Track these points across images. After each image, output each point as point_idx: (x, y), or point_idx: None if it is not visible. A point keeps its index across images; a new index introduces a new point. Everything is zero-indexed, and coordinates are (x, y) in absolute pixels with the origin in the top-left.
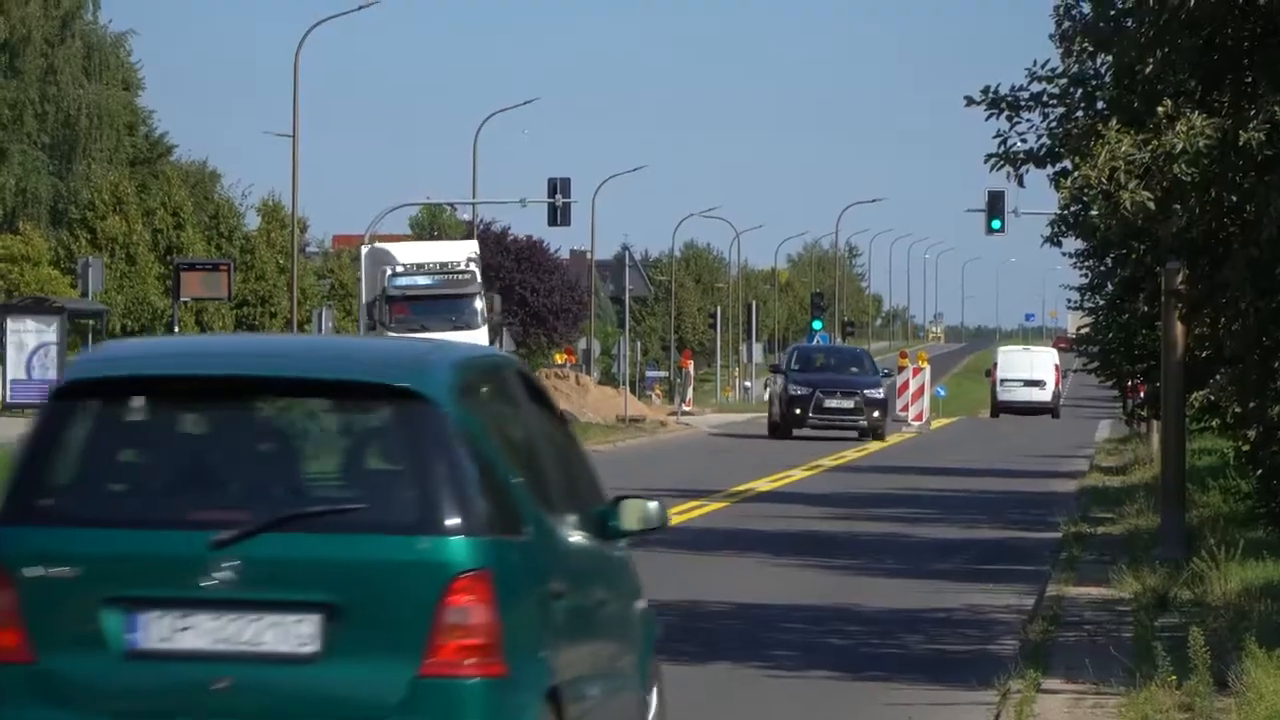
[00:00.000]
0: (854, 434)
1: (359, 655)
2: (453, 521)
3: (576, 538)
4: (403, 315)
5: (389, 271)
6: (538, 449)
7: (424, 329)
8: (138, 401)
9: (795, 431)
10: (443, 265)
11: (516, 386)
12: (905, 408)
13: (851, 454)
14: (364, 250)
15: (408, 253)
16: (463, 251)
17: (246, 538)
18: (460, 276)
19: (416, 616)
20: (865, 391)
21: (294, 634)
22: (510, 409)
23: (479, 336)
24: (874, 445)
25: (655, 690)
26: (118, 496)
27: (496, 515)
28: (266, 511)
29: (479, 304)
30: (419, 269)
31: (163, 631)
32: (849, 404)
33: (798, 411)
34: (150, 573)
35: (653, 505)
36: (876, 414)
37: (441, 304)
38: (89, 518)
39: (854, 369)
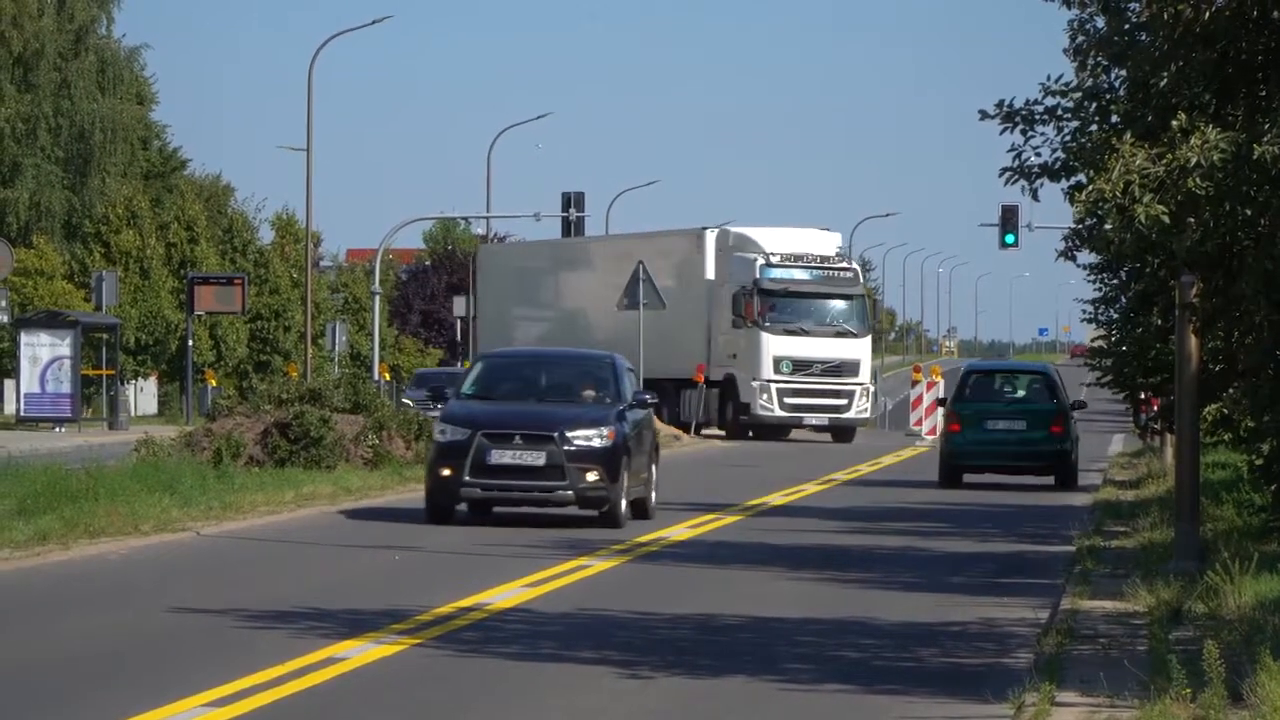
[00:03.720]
0: (555, 507)
1: (1036, 430)
2: (1055, 401)
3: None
4: (777, 313)
5: (759, 261)
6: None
7: (804, 333)
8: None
9: (465, 505)
10: (822, 259)
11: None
12: (919, 422)
13: (864, 468)
14: (702, 235)
15: (774, 240)
16: (830, 244)
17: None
18: (842, 274)
19: (1050, 420)
20: (571, 435)
21: (1018, 425)
22: (1060, 377)
23: (861, 347)
24: (887, 459)
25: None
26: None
27: (1065, 402)
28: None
29: (863, 308)
30: (795, 261)
31: (995, 425)
32: (535, 458)
33: (445, 473)
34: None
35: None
36: (594, 476)
37: (823, 305)
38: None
39: (585, 391)
